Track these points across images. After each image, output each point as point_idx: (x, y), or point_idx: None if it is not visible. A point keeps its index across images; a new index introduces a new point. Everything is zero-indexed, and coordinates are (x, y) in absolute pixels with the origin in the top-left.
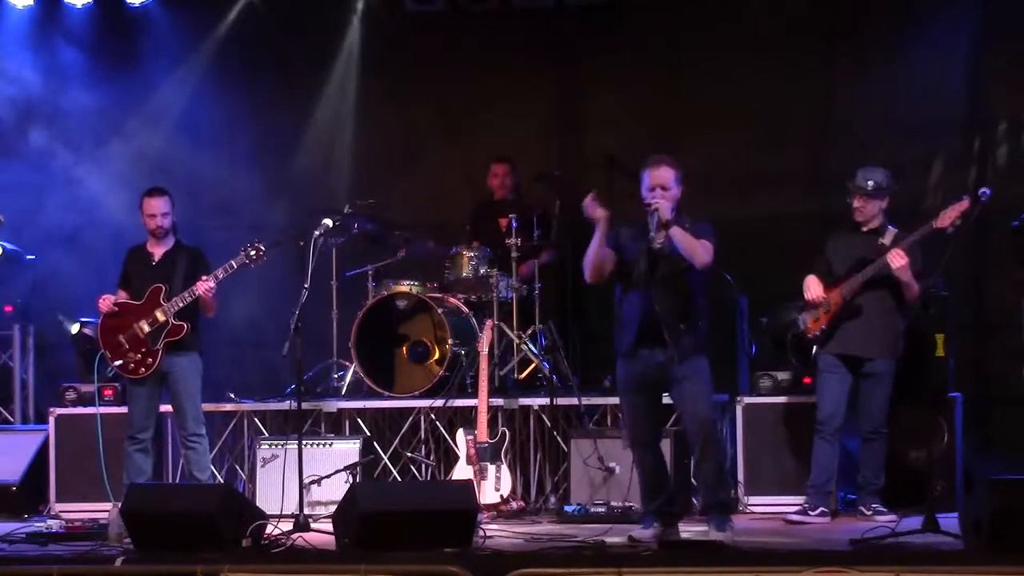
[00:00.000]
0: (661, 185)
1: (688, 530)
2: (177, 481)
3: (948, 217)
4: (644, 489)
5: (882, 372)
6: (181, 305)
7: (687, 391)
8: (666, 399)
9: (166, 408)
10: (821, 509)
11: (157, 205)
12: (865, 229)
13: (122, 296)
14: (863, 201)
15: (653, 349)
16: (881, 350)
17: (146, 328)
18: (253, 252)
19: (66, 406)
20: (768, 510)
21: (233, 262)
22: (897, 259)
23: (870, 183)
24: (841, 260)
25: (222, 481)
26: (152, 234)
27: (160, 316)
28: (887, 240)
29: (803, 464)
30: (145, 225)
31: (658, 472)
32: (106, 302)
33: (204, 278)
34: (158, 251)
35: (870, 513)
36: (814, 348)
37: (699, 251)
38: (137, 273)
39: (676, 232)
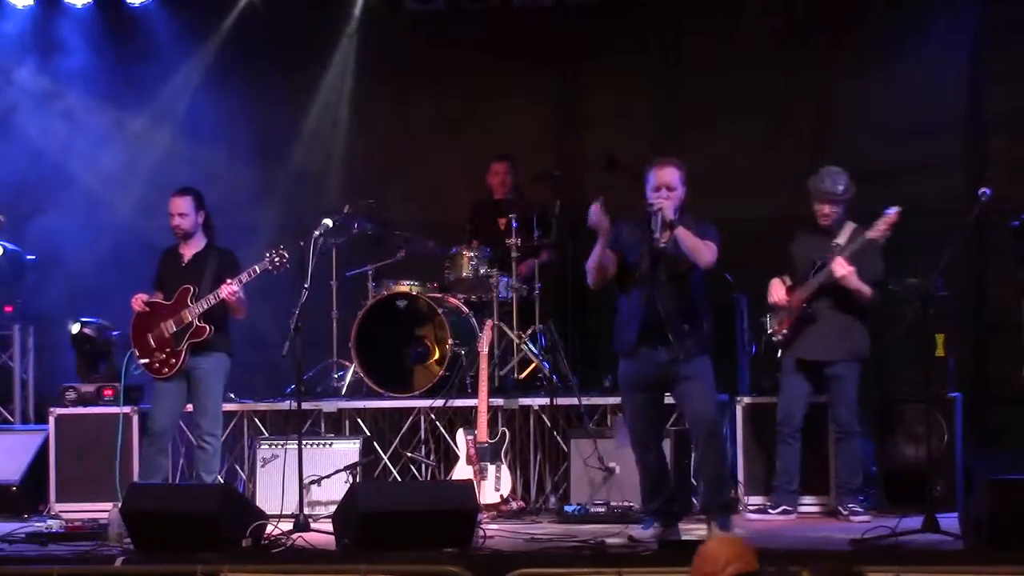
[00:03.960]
0: (666, 185)
1: (688, 530)
2: (177, 481)
3: (878, 229)
4: (645, 489)
5: (843, 374)
6: (206, 307)
7: (691, 391)
8: (668, 399)
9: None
10: (783, 507)
11: (175, 205)
12: (823, 226)
13: (157, 297)
14: (833, 207)
15: (655, 348)
16: (840, 353)
17: (172, 328)
18: (277, 259)
19: (66, 406)
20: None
21: (256, 267)
22: (839, 268)
23: (840, 187)
24: (802, 262)
25: (222, 481)
26: (174, 234)
27: (186, 317)
28: (842, 239)
29: (801, 464)
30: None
31: (659, 472)
32: (137, 301)
33: (228, 281)
34: (188, 252)
35: (846, 514)
36: (779, 351)
37: (703, 251)
38: (167, 274)
39: (681, 232)
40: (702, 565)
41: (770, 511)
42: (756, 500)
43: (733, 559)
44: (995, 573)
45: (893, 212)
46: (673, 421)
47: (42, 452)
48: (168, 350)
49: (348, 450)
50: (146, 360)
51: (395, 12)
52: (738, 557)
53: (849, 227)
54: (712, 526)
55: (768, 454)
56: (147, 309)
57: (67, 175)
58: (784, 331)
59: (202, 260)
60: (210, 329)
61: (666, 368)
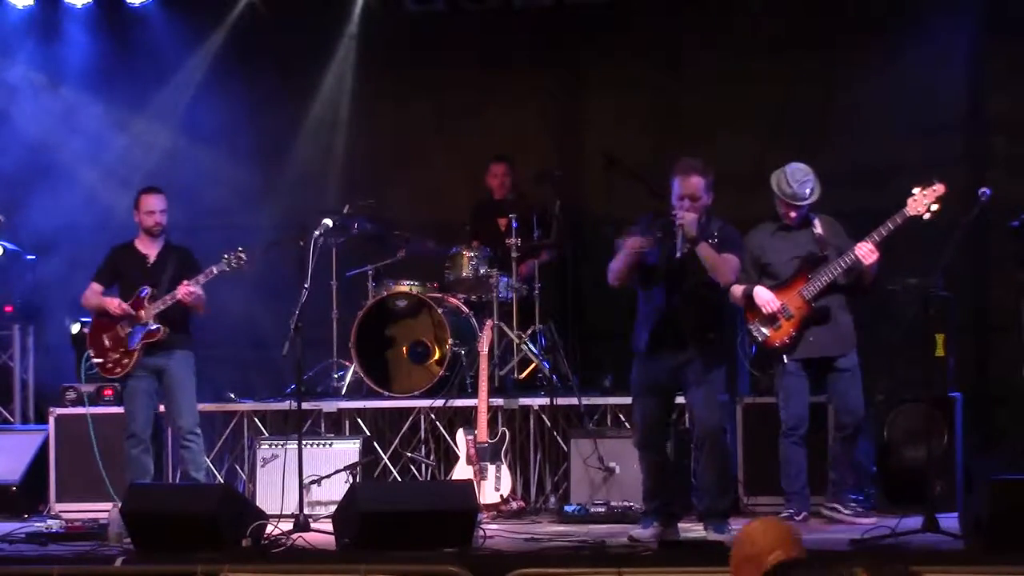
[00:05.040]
0: (690, 196)
1: (688, 530)
2: (177, 481)
3: (922, 204)
4: (647, 489)
5: (851, 367)
6: (162, 307)
7: (701, 397)
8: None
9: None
10: (805, 514)
11: (156, 202)
12: (790, 224)
13: (95, 290)
14: (799, 211)
15: (670, 351)
16: (847, 346)
17: (127, 328)
18: (235, 260)
19: (66, 406)
20: (768, 510)
21: (214, 268)
22: (871, 254)
23: (807, 190)
24: (783, 262)
25: (222, 481)
26: (149, 232)
27: (142, 317)
28: (820, 229)
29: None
30: (141, 223)
31: (662, 473)
32: (122, 307)
33: (186, 282)
34: (152, 251)
35: (848, 512)
36: (784, 357)
37: (724, 270)
38: (130, 273)
39: (702, 250)
40: (745, 547)
41: (795, 519)
42: (758, 500)
43: (778, 545)
44: (995, 573)
45: (939, 185)
46: (674, 421)
47: (42, 452)
48: (122, 350)
49: (348, 450)
50: (100, 360)
51: (395, 12)
52: (784, 544)
53: (819, 218)
54: (709, 530)
55: (768, 454)
56: (131, 312)
57: (68, 175)
58: (792, 333)
59: (164, 260)
60: (164, 329)
61: (678, 372)
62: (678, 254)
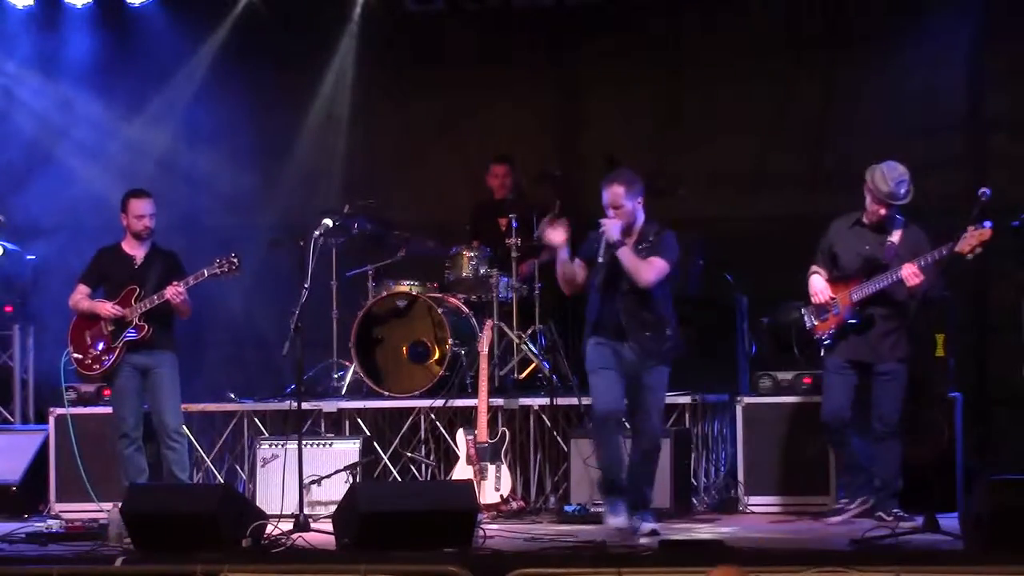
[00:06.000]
0: (612, 203)
1: (687, 530)
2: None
3: (969, 243)
4: (610, 464)
5: (894, 371)
6: (148, 307)
7: (646, 401)
8: None
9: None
10: (861, 499)
11: (146, 206)
12: (872, 223)
13: (82, 291)
14: (891, 210)
15: (620, 343)
16: (881, 356)
17: (111, 326)
18: (226, 265)
19: (66, 406)
20: (768, 510)
21: (205, 271)
22: (913, 278)
23: (903, 191)
24: (849, 256)
25: (222, 481)
26: (137, 235)
27: (127, 315)
28: (895, 238)
29: (803, 464)
30: (130, 226)
31: (622, 451)
32: (115, 309)
33: (174, 283)
34: (139, 253)
35: (890, 519)
36: (822, 349)
37: (642, 272)
38: (118, 274)
39: (622, 254)
40: None
41: (849, 508)
42: (758, 500)
43: None
44: (995, 573)
45: (988, 228)
46: (673, 421)
47: (42, 452)
48: (103, 347)
49: (348, 450)
50: (79, 356)
51: (395, 12)
52: None
53: (908, 228)
54: (639, 521)
55: (768, 454)
56: (120, 313)
57: (69, 174)
58: (832, 329)
59: (151, 262)
60: (149, 328)
61: (630, 364)
62: (600, 258)
